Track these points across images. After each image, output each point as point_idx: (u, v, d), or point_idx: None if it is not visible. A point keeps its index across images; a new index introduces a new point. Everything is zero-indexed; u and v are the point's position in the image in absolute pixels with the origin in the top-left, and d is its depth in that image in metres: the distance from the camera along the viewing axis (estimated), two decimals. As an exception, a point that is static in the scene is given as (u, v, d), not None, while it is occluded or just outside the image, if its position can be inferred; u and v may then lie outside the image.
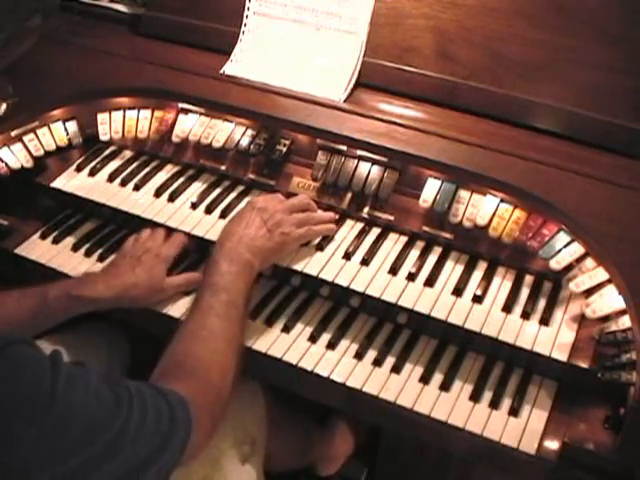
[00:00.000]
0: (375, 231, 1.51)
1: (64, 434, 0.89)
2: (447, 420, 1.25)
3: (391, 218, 1.50)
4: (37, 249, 1.57)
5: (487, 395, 1.30)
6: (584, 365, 1.26)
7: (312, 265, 1.42)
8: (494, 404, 1.28)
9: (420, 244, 1.48)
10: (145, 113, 1.68)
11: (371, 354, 1.36)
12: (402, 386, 1.31)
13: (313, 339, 1.38)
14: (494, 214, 1.40)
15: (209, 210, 1.55)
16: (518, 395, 1.29)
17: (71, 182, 1.65)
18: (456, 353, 1.38)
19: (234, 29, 1.69)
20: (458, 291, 1.37)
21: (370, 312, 1.45)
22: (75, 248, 1.58)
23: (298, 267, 1.43)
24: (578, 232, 1.32)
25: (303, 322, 1.42)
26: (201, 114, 1.64)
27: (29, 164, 1.65)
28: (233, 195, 1.60)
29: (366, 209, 1.52)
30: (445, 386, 1.31)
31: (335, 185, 1.52)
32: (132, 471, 0.95)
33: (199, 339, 1.19)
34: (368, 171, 1.51)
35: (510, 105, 1.49)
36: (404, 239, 1.50)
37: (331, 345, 1.37)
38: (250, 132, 1.60)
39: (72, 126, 1.69)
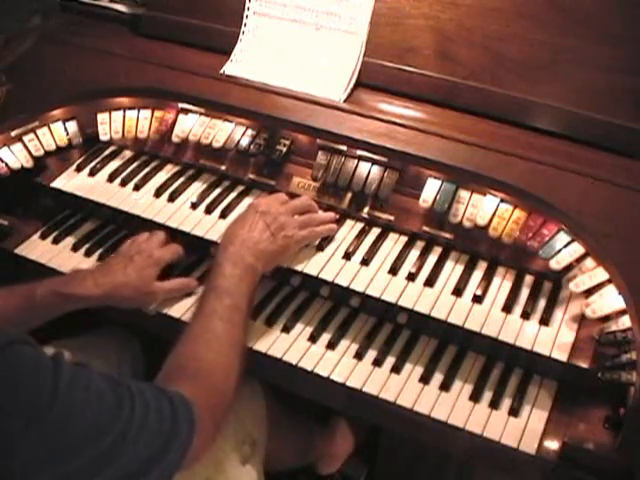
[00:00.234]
0: (375, 231, 1.51)
1: (65, 434, 0.89)
2: (447, 420, 1.25)
3: (391, 218, 1.50)
4: (37, 249, 1.57)
5: (487, 395, 1.30)
6: (584, 365, 1.26)
7: (312, 265, 1.42)
8: (494, 404, 1.28)
9: (420, 244, 1.48)
10: (145, 113, 1.68)
11: (371, 354, 1.37)
12: (402, 386, 1.31)
13: (313, 339, 1.38)
14: (494, 214, 1.40)
15: (209, 210, 1.55)
16: (518, 395, 1.29)
17: (71, 182, 1.65)
18: (456, 353, 1.38)
19: (234, 29, 1.69)
20: (458, 291, 1.37)
21: (370, 312, 1.45)
22: (75, 248, 1.58)
23: (298, 267, 1.43)
24: (578, 232, 1.33)
25: (303, 322, 1.42)
26: (201, 114, 1.64)
27: (29, 164, 1.65)
28: (233, 195, 1.60)
29: (366, 209, 1.52)
30: (445, 386, 1.31)
31: (335, 185, 1.52)
32: (134, 473, 0.95)
33: (203, 342, 1.19)
34: (368, 171, 1.51)
35: (510, 105, 1.50)
36: (404, 239, 1.50)
37: (331, 345, 1.37)
38: (250, 132, 1.60)
39: (72, 126, 1.69)
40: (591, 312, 1.28)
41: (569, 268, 1.33)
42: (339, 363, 1.35)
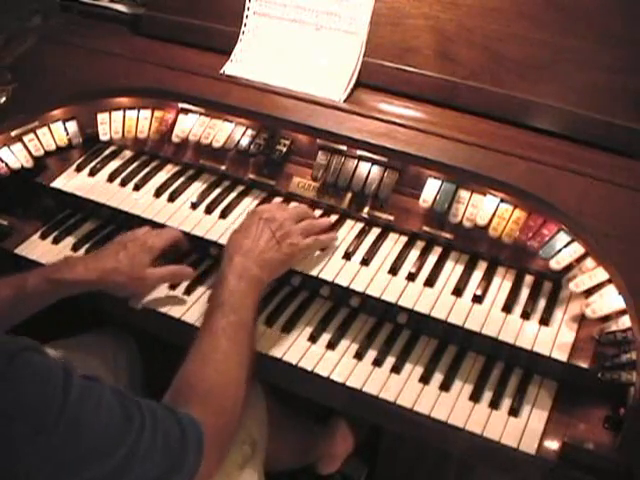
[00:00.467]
0: (375, 231, 1.51)
1: (72, 447, 0.88)
2: (447, 420, 1.25)
3: (391, 218, 1.50)
4: (37, 249, 1.57)
5: (487, 395, 1.30)
6: (584, 365, 1.26)
7: (312, 265, 1.42)
8: (494, 404, 1.28)
9: (420, 244, 1.48)
10: (145, 113, 1.68)
11: (371, 354, 1.36)
12: (402, 386, 1.31)
13: (313, 339, 1.38)
14: (494, 214, 1.40)
15: (209, 210, 1.55)
16: (518, 395, 1.29)
17: (71, 182, 1.65)
18: (456, 353, 1.38)
19: (234, 29, 1.69)
20: (458, 291, 1.37)
21: (370, 312, 1.45)
22: (75, 248, 1.58)
23: (298, 267, 1.43)
24: (578, 232, 1.33)
25: (303, 322, 1.42)
26: (201, 114, 1.64)
27: (29, 164, 1.65)
28: (233, 195, 1.60)
29: (366, 209, 1.52)
30: (445, 386, 1.31)
31: (335, 185, 1.52)
32: None
33: (211, 362, 1.17)
34: (368, 171, 1.51)
35: (510, 105, 1.50)
36: (404, 239, 1.50)
37: (331, 345, 1.37)
38: (250, 132, 1.60)
39: (72, 126, 1.69)
40: (591, 312, 1.28)
41: (569, 268, 1.33)
42: (339, 363, 1.35)
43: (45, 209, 1.67)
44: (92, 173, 1.66)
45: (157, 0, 1.79)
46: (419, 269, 1.42)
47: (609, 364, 1.22)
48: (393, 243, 1.49)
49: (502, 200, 1.41)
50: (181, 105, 1.66)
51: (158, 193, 1.60)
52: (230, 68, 1.67)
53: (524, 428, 1.24)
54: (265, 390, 1.54)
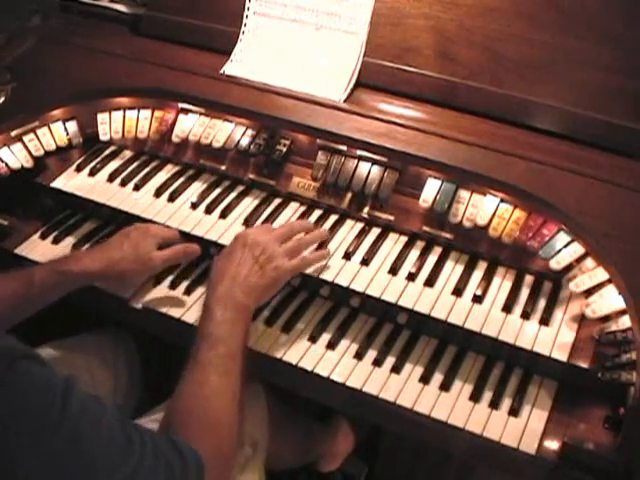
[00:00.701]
0: (375, 231, 1.51)
1: (72, 458, 0.86)
2: (447, 420, 1.25)
3: (391, 218, 1.50)
4: (37, 249, 1.57)
5: (487, 395, 1.30)
6: (584, 365, 1.26)
7: (312, 265, 1.42)
8: (494, 404, 1.28)
9: (420, 244, 1.48)
10: (145, 113, 1.68)
11: (371, 354, 1.36)
12: (402, 386, 1.31)
13: (313, 339, 1.38)
14: (494, 214, 1.40)
15: (209, 210, 1.55)
16: (518, 395, 1.29)
17: (71, 182, 1.65)
18: (456, 353, 1.38)
19: (234, 29, 1.69)
20: (458, 291, 1.37)
21: (370, 312, 1.45)
22: (75, 248, 1.57)
23: (298, 267, 1.43)
24: (578, 232, 1.33)
25: (303, 322, 1.42)
26: (201, 114, 1.64)
27: (29, 164, 1.65)
28: (233, 195, 1.60)
29: (366, 209, 1.52)
30: (445, 386, 1.31)
31: (335, 185, 1.52)
32: None
33: (201, 399, 1.12)
34: (368, 171, 1.51)
35: (510, 105, 1.50)
36: (404, 239, 1.50)
37: (331, 345, 1.37)
38: (250, 132, 1.60)
39: (72, 126, 1.69)
40: (591, 312, 1.28)
41: (569, 268, 1.33)
42: (339, 363, 1.35)
43: (45, 209, 1.67)
44: (92, 173, 1.66)
45: (157, 0, 1.79)
46: (419, 269, 1.42)
47: (609, 364, 1.22)
48: (393, 243, 1.49)
49: (502, 200, 1.41)
50: (181, 105, 1.66)
51: (158, 193, 1.60)
52: (230, 68, 1.67)
53: (524, 428, 1.24)
54: (265, 390, 1.55)
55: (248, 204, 1.58)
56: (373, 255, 1.45)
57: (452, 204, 1.43)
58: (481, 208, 1.42)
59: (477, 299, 1.36)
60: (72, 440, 0.87)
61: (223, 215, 1.54)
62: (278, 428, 1.57)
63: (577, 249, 1.32)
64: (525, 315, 1.33)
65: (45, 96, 1.69)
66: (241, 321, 1.25)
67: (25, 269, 1.36)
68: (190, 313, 1.42)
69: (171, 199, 1.58)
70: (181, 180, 1.64)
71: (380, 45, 1.60)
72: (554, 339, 1.29)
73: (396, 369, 1.33)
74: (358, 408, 1.35)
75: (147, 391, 1.62)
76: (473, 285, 1.39)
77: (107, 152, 1.72)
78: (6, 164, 1.62)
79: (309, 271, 1.41)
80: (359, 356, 1.36)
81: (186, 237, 1.52)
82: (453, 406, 1.27)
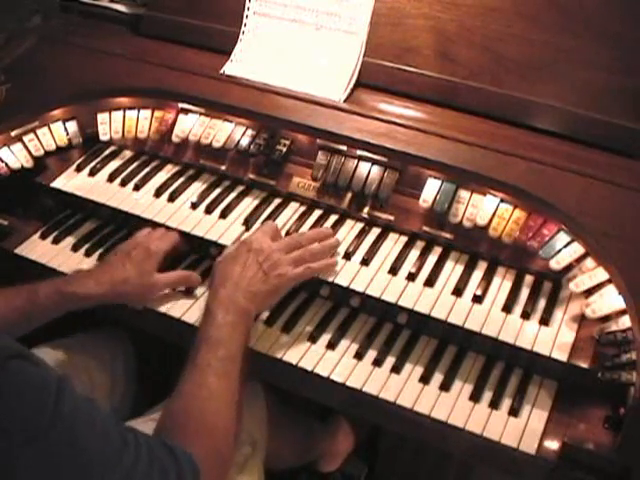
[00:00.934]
0: (375, 231, 1.51)
1: (66, 462, 0.86)
2: (447, 420, 1.25)
3: (391, 218, 1.50)
4: (37, 249, 1.57)
5: (487, 395, 1.30)
6: (584, 365, 1.26)
7: (317, 274, 1.41)
8: (494, 404, 1.28)
9: (420, 244, 1.48)
10: (145, 113, 1.68)
11: (371, 354, 1.36)
12: (402, 386, 1.31)
13: (313, 339, 1.38)
14: (494, 214, 1.40)
15: (209, 210, 1.55)
16: (518, 395, 1.29)
17: (71, 182, 1.65)
18: (456, 353, 1.38)
19: (234, 29, 1.69)
20: (458, 291, 1.37)
21: (370, 312, 1.45)
22: (75, 248, 1.58)
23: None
24: (578, 232, 1.33)
25: (303, 322, 1.42)
26: (201, 114, 1.64)
27: (29, 164, 1.65)
28: (233, 195, 1.60)
29: (366, 209, 1.52)
30: (445, 386, 1.30)
31: (335, 185, 1.52)
32: None
33: (199, 400, 1.12)
34: (368, 171, 1.51)
35: (510, 105, 1.50)
36: (404, 239, 1.50)
37: (331, 345, 1.37)
38: (250, 132, 1.60)
39: (72, 126, 1.69)
40: (591, 312, 1.28)
41: (569, 268, 1.33)
42: (339, 363, 1.34)
43: (45, 209, 1.67)
44: (92, 173, 1.66)
45: (157, 0, 1.79)
46: (419, 269, 1.42)
47: (609, 364, 1.22)
48: (393, 243, 1.49)
49: (502, 200, 1.41)
50: (181, 105, 1.66)
51: (158, 193, 1.60)
52: (230, 68, 1.67)
53: (524, 428, 1.24)
54: (264, 389, 1.55)
55: (248, 204, 1.58)
56: (373, 255, 1.45)
57: (452, 204, 1.43)
58: (481, 208, 1.42)
59: (477, 299, 1.36)
60: (67, 440, 0.86)
61: (223, 215, 1.54)
62: (277, 427, 1.57)
63: (577, 249, 1.32)
64: (525, 315, 1.33)
65: (45, 96, 1.69)
66: (242, 325, 1.25)
67: (29, 285, 1.35)
68: (190, 313, 1.42)
69: (171, 199, 1.58)
70: (181, 180, 1.64)
71: (380, 45, 1.60)
72: (554, 339, 1.29)
73: (396, 369, 1.33)
74: (358, 408, 1.35)
75: (144, 392, 1.62)
76: (473, 285, 1.39)
77: (107, 152, 1.72)
78: (6, 164, 1.62)
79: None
80: (359, 356, 1.36)
81: (186, 237, 1.52)
82: (453, 406, 1.27)
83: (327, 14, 1.63)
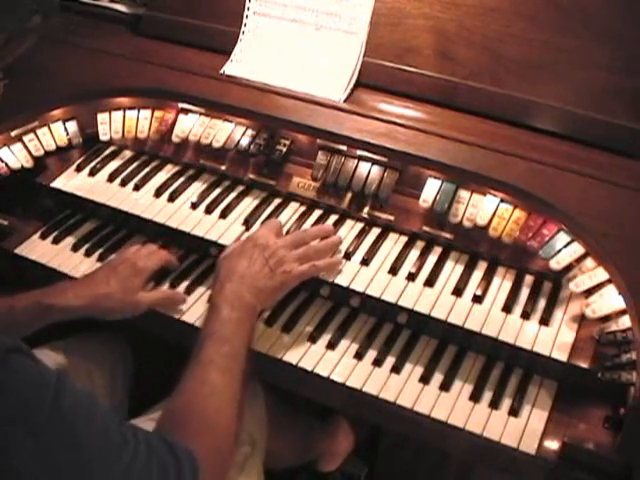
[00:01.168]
0: (375, 231, 1.51)
1: (63, 457, 0.85)
2: (447, 420, 1.25)
3: (391, 218, 1.50)
4: (37, 249, 1.57)
5: (487, 395, 1.30)
6: (584, 365, 1.26)
7: (322, 272, 1.41)
8: (494, 404, 1.28)
9: (420, 244, 1.48)
10: (145, 113, 1.68)
11: (371, 354, 1.36)
12: (402, 386, 1.31)
13: (313, 339, 1.38)
14: (494, 214, 1.40)
15: (209, 210, 1.55)
16: (518, 395, 1.29)
17: (71, 182, 1.65)
18: (456, 353, 1.38)
19: (234, 29, 1.69)
20: (458, 291, 1.37)
21: (370, 312, 1.45)
22: (75, 248, 1.57)
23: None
24: (578, 232, 1.33)
25: (303, 322, 1.42)
26: (201, 114, 1.64)
27: (29, 164, 1.65)
28: (233, 195, 1.60)
29: (366, 209, 1.52)
30: (445, 386, 1.30)
31: (335, 185, 1.52)
32: None
33: (201, 397, 1.11)
34: (368, 171, 1.51)
35: (510, 105, 1.50)
36: (404, 239, 1.50)
37: (331, 345, 1.37)
38: (250, 132, 1.60)
39: (72, 126, 1.69)
40: (591, 312, 1.28)
41: (569, 268, 1.33)
42: (339, 363, 1.34)
43: (45, 209, 1.67)
44: (92, 173, 1.66)
45: (157, 0, 1.79)
46: (419, 269, 1.42)
47: (609, 364, 1.22)
48: (393, 243, 1.49)
49: (502, 200, 1.41)
50: (181, 105, 1.66)
51: (158, 193, 1.60)
52: (230, 68, 1.67)
53: (524, 428, 1.24)
54: (264, 388, 1.54)
55: (248, 204, 1.58)
56: (373, 255, 1.45)
57: (452, 204, 1.43)
58: (481, 208, 1.42)
59: (477, 299, 1.36)
60: (66, 435, 0.86)
61: (223, 215, 1.54)
62: (277, 427, 1.57)
63: (577, 249, 1.32)
64: (525, 315, 1.33)
65: (45, 96, 1.69)
66: (246, 321, 1.25)
67: (7, 298, 1.33)
68: (190, 313, 1.42)
69: (171, 199, 1.58)
70: (181, 180, 1.64)
71: (380, 45, 1.60)
72: (554, 339, 1.29)
73: (396, 369, 1.33)
74: (358, 408, 1.35)
75: (143, 392, 1.62)
76: (473, 285, 1.39)
77: (107, 152, 1.72)
78: (6, 164, 1.62)
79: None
80: (359, 356, 1.36)
81: (186, 237, 1.52)
82: (453, 406, 1.27)
83: (327, 14, 1.63)
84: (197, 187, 1.62)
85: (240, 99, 1.60)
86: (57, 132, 1.68)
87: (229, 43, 1.69)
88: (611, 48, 1.43)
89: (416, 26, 1.57)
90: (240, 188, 1.62)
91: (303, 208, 1.57)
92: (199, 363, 1.15)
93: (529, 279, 1.41)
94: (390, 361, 1.35)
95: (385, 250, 1.47)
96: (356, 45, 1.61)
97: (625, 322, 1.23)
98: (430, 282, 1.39)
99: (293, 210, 1.57)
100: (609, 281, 1.28)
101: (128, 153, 1.72)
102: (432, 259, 1.45)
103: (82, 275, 1.47)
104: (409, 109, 1.55)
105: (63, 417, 0.86)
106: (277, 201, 1.59)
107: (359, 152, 1.51)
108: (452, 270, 1.43)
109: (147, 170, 1.67)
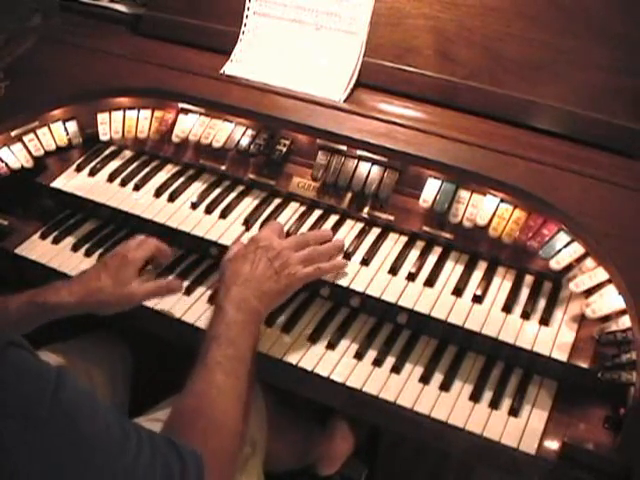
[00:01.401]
0: (375, 231, 1.51)
1: (64, 452, 0.84)
2: (447, 420, 1.25)
3: (391, 218, 1.50)
4: (37, 249, 1.57)
5: (487, 395, 1.30)
6: (584, 365, 1.26)
7: (326, 274, 1.41)
8: (494, 404, 1.28)
9: (420, 244, 1.48)
10: (145, 113, 1.68)
11: (371, 354, 1.36)
12: (402, 386, 1.31)
13: (313, 339, 1.38)
14: (494, 214, 1.40)
15: (209, 210, 1.55)
16: (518, 395, 1.29)
17: (71, 182, 1.65)
18: (456, 353, 1.38)
19: (234, 29, 1.69)
20: (458, 291, 1.37)
21: (370, 312, 1.45)
22: (75, 248, 1.57)
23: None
24: (578, 232, 1.33)
25: (303, 322, 1.42)
26: (201, 114, 1.64)
27: (29, 164, 1.65)
28: (233, 195, 1.60)
29: (366, 209, 1.52)
30: (445, 386, 1.30)
31: (335, 185, 1.52)
32: None
33: (209, 399, 1.11)
34: (368, 171, 1.51)
35: (510, 105, 1.50)
36: (404, 239, 1.50)
37: (331, 345, 1.37)
38: (250, 132, 1.60)
39: (72, 126, 1.69)
40: (591, 312, 1.28)
41: (569, 268, 1.33)
42: (339, 363, 1.34)
43: (45, 209, 1.67)
44: (92, 173, 1.66)
45: (157, 0, 1.79)
46: (419, 269, 1.42)
47: (609, 364, 1.22)
48: (393, 243, 1.49)
49: (502, 200, 1.41)
50: (181, 105, 1.66)
51: (158, 193, 1.60)
52: (230, 68, 1.67)
53: (524, 428, 1.24)
54: (264, 390, 1.54)
55: (248, 204, 1.58)
56: (373, 255, 1.45)
57: (452, 204, 1.43)
58: (481, 208, 1.42)
59: (477, 299, 1.36)
60: (67, 430, 0.85)
61: (223, 215, 1.54)
62: (276, 428, 1.57)
63: (577, 249, 1.32)
64: (525, 315, 1.33)
65: (45, 96, 1.69)
66: (252, 324, 1.25)
67: (1, 297, 1.33)
68: (190, 313, 1.42)
69: (171, 199, 1.58)
70: (181, 180, 1.64)
71: (380, 45, 1.60)
72: (554, 339, 1.29)
73: (396, 369, 1.33)
74: (358, 408, 1.35)
75: (143, 392, 1.62)
76: (473, 285, 1.39)
77: (107, 152, 1.72)
78: (6, 164, 1.62)
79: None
80: (359, 356, 1.36)
81: (186, 237, 1.52)
82: (453, 406, 1.27)
83: (327, 14, 1.63)
84: (197, 187, 1.62)
85: (240, 99, 1.60)
86: (57, 132, 1.68)
87: (229, 43, 1.69)
88: (611, 48, 1.43)
89: (416, 26, 1.57)
90: (240, 188, 1.62)
91: (303, 208, 1.57)
92: (205, 365, 1.15)
93: (529, 279, 1.41)
94: (390, 361, 1.35)
95: (385, 250, 1.47)
96: (356, 45, 1.61)
97: (625, 322, 1.23)
98: (430, 282, 1.39)
99: (293, 210, 1.57)
100: (609, 281, 1.28)
101: (128, 153, 1.72)
102: (432, 259, 1.45)
103: None
104: (409, 109, 1.55)
105: (64, 411, 0.86)
106: (277, 201, 1.59)
107: (359, 152, 1.51)
108: (452, 270, 1.43)
109: (147, 170, 1.67)
